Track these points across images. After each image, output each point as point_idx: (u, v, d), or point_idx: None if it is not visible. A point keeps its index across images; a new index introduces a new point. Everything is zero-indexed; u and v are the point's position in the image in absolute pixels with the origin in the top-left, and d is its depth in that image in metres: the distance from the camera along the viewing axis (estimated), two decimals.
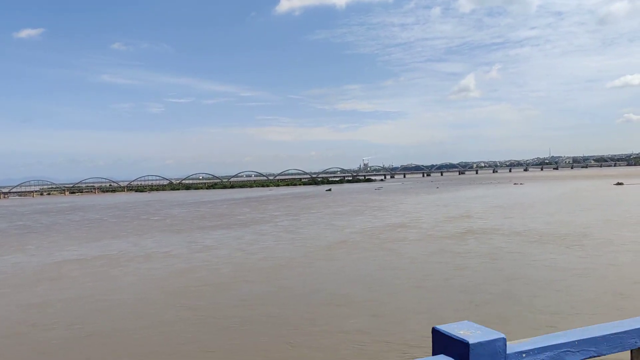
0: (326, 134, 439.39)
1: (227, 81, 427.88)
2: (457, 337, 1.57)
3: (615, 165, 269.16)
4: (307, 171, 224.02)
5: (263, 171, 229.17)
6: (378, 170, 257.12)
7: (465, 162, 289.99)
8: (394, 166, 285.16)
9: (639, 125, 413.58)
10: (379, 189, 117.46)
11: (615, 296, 16.59)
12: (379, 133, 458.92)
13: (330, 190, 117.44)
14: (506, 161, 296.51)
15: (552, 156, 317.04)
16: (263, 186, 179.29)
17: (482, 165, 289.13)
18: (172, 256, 29.25)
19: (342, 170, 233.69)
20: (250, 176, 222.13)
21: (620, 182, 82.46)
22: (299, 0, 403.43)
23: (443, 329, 1.65)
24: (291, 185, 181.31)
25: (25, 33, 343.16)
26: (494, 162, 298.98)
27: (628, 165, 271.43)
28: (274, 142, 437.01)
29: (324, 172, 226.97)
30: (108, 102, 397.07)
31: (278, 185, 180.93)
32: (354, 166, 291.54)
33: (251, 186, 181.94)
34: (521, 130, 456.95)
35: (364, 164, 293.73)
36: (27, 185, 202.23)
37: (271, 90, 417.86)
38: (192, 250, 31.05)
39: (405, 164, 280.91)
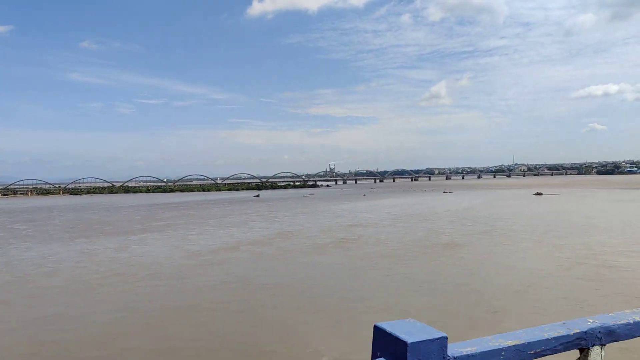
0: (299, 137, 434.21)
1: (199, 83, 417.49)
2: (397, 335, 1.53)
3: (566, 174, 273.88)
4: (256, 175, 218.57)
5: (237, 173, 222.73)
6: (343, 175, 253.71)
7: (429, 169, 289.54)
8: (359, 171, 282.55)
9: (603, 134, 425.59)
10: (309, 195, 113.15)
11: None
12: (350, 138, 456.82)
13: (258, 196, 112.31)
14: (466, 167, 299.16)
15: (516, 164, 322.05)
16: (204, 190, 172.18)
17: (447, 171, 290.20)
18: None
19: (302, 175, 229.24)
20: (192, 180, 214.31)
21: (539, 192, 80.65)
22: (271, 4, 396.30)
23: (384, 326, 1.59)
24: (233, 189, 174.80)
25: None
26: (457, 168, 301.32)
27: (578, 173, 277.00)
28: (246, 145, 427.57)
29: (274, 176, 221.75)
30: (76, 101, 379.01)
31: (219, 190, 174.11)
32: (324, 170, 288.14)
33: (192, 190, 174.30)
34: (489, 138, 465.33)
35: (330, 169, 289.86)
36: None
37: (243, 93, 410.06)
38: None
39: (372, 169, 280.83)
